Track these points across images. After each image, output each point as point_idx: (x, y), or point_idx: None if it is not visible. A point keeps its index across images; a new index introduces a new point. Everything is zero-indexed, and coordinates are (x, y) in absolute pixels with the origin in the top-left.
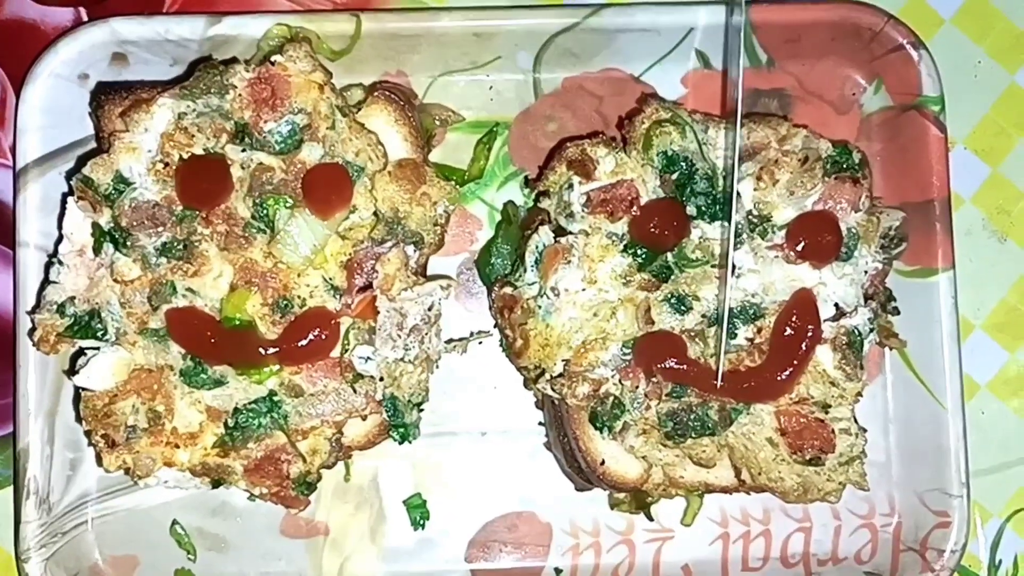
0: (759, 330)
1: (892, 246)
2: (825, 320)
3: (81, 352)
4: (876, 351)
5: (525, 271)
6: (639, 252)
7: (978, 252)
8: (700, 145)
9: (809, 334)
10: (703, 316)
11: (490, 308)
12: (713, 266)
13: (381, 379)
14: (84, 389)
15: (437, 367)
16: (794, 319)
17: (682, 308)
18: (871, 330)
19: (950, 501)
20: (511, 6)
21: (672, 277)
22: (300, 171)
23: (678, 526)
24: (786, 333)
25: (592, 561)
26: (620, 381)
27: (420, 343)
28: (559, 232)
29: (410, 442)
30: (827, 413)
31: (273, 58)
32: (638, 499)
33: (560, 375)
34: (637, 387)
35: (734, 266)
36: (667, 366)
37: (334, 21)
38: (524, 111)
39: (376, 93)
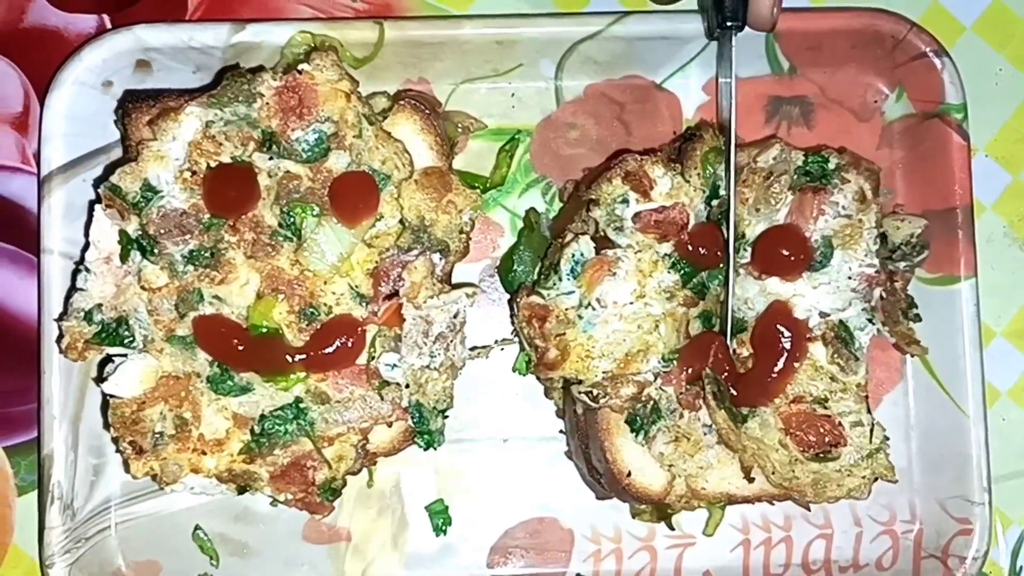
0: (743, 343)
1: (914, 254)
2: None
3: (108, 359)
4: (897, 359)
5: (560, 280)
6: (686, 270)
7: (999, 260)
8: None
9: (783, 341)
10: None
11: (512, 316)
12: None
13: (407, 386)
14: (112, 396)
15: (461, 373)
16: (770, 330)
17: (709, 324)
18: (869, 320)
19: (972, 508)
20: (534, 14)
21: (707, 295)
22: (327, 179)
23: (699, 533)
24: (764, 343)
25: (614, 567)
26: (662, 387)
27: (445, 350)
28: (599, 243)
29: (435, 448)
30: (827, 407)
31: (300, 67)
32: (659, 509)
33: (597, 381)
34: (680, 393)
35: (727, 280)
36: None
37: (357, 29)
38: (546, 118)
39: (402, 101)
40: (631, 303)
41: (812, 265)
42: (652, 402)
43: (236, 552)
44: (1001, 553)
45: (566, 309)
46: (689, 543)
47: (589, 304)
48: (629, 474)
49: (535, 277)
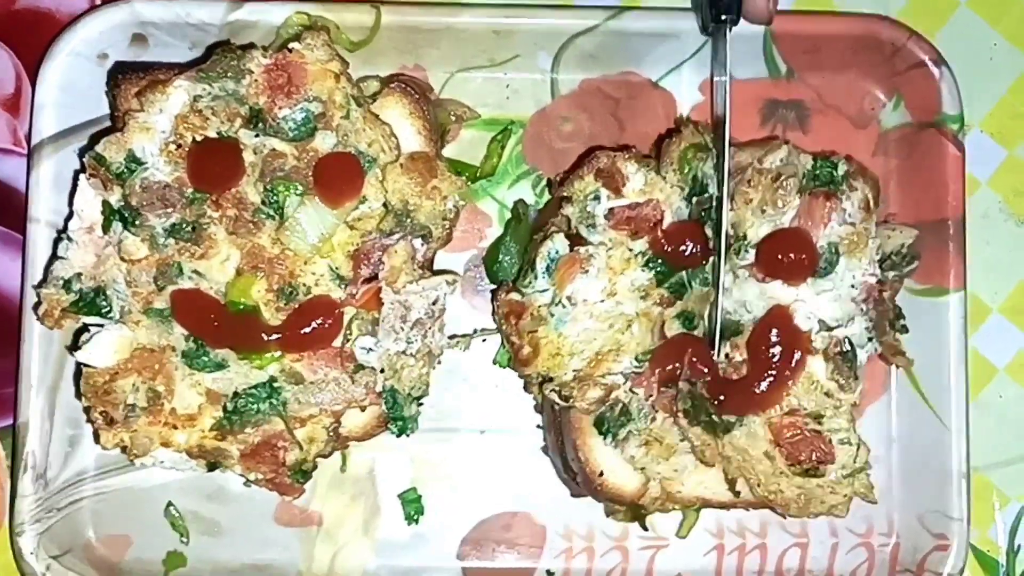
0: (737, 347)
1: (903, 264)
2: (817, 332)
3: (85, 329)
4: (882, 369)
5: (536, 277)
6: (659, 268)
7: (995, 235)
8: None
9: (782, 350)
10: (703, 334)
11: (493, 313)
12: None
13: (382, 371)
14: (86, 365)
15: (439, 362)
16: (769, 336)
17: (690, 325)
18: (869, 339)
19: (950, 524)
20: (532, 4)
21: (686, 295)
22: (312, 159)
23: (673, 535)
24: (761, 350)
25: (585, 565)
26: (631, 389)
27: (423, 337)
28: (573, 241)
29: (407, 435)
30: (821, 424)
31: (291, 45)
32: (633, 510)
33: (570, 380)
34: (650, 396)
35: (718, 280)
36: (693, 363)
37: (354, 11)
38: (540, 111)
39: (392, 85)
40: (602, 301)
41: (817, 271)
42: (621, 405)
43: (207, 531)
44: (999, 531)
45: (540, 306)
46: (662, 545)
47: (560, 302)
48: (601, 474)
49: (519, 270)
